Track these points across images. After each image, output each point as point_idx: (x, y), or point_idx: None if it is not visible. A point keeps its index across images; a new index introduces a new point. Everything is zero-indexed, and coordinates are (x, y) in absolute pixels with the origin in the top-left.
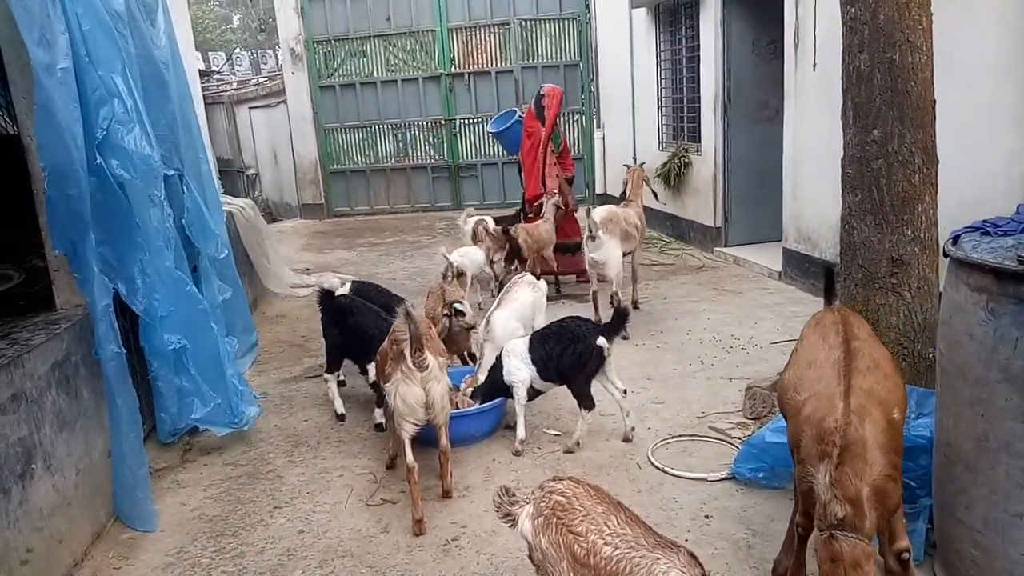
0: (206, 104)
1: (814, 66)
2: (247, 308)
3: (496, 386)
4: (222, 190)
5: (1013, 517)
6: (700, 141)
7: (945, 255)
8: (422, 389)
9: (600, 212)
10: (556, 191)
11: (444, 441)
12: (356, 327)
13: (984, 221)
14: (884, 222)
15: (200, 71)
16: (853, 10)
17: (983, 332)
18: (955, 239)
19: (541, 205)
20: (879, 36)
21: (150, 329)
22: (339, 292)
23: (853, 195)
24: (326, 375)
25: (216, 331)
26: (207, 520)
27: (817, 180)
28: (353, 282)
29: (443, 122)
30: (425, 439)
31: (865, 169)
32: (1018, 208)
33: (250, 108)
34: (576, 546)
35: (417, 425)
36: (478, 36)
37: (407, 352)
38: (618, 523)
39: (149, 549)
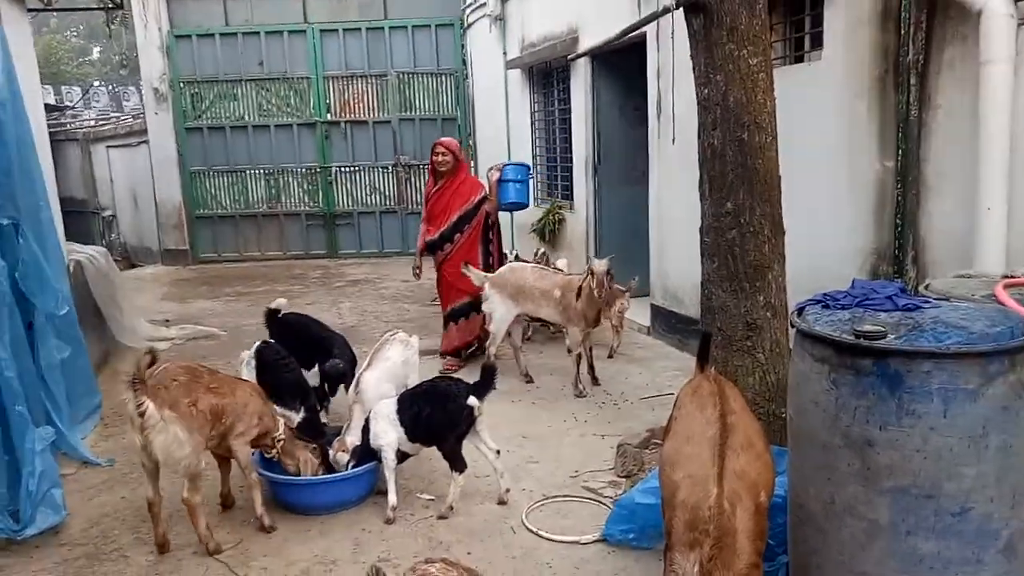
0: (57, 141)
1: (673, 140)
2: (90, 367)
3: (367, 449)
4: (63, 239)
5: None
6: (573, 199)
7: (792, 326)
8: (139, 436)
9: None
10: None
11: (184, 495)
12: None
13: (824, 294)
14: (739, 288)
15: (50, 105)
16: (706, 91)
17: (827, 400)
18: (800, 311)
19: None
20: (729, 116)
21: None
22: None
23: (711, 262)
24: None
25: (24, 416)
26: None
27: (681, 242)
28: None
29: (319, 169)
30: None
31: (720, 238)
32: (853, 282)
33: (108, 147)
34: None
35: (148, 465)
36: (355, 86)
37: (129, 394)
38: None
39: None
